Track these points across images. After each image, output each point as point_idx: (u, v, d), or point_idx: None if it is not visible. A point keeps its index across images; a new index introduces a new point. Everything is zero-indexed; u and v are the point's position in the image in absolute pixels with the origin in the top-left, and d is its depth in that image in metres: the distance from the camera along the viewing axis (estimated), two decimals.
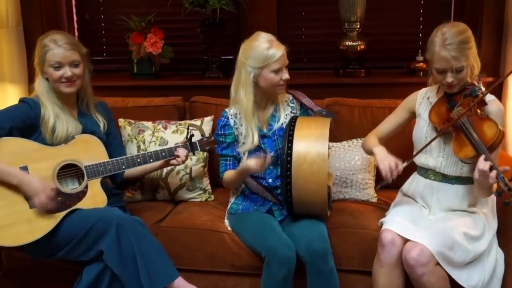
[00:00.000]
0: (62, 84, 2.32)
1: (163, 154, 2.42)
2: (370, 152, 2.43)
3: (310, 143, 2.21)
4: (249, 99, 2.38)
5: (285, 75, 2.35)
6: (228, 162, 2.45)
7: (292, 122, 2.29)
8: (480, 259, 2.18)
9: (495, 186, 2.10)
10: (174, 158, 2.43)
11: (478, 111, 2.16)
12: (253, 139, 2.40)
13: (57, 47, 2.29)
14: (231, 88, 2.44)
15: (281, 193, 2.32)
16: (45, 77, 2.34)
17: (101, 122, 2.47)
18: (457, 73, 2.15)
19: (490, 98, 2.22)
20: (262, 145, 2.42)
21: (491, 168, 2.01)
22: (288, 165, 2.20)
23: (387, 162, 2.22)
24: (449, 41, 2.12)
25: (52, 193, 2.18)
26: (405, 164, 2.24)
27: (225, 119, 2.46)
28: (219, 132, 2.47)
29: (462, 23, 2.22)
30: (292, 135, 2.24)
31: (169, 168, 2.72)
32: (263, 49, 2.31)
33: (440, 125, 2.22)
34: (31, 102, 2.33)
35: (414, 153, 2.33)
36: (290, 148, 2.21)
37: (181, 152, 2.42)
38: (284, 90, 2.43)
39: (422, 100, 2.38)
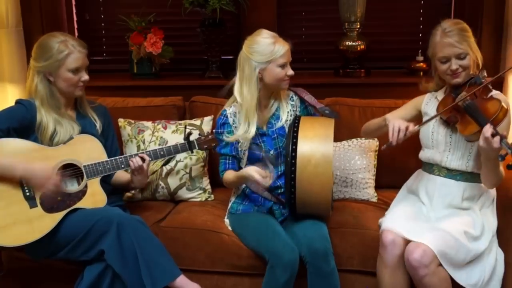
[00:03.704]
0: (78, 88, 2.34)
1: (161, 152, 2.42)
2: (375, 129, 2.46)
3: (315, 145, 2.19)
4: (253, 95, 2.35)
5: (290, 71, 2.36)
6: (228, 161, 2.45)
7: (296, 123, 2.28)
8: (480, 259, 2.18)
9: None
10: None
11: (484, 96, 2.18)
12: (250, 132, 2.36)
13: (78, 52, 2.30)
14: (235, 86, 2.41)
15: (285, 193, 2.29)
16: (49, 79, 2.32)
17: (97, 122, 2.46)
18: (461, 60, 2.20)
19: (495, 92, 2.25)
20: (262, 143, 2.42)
21: (494, 135, 2.01)
22: (293, 168, 2.19)
23: (397, 123, 2.22)
24: (449, 29, 2.22)
25: (58, 178, 2.21)
26: (417, 127, 2.24)
27: (224, 118, 2.46)
28: (219, 130, 2.47)
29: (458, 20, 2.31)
30: (296, 137, 2.22)
31: (168, 167, 2.73)
32: (268, 43, 2.32)
33: (447, 113, 2.24)
34: (27, 104, 2.32)
35: (422, 145, 2.37)
36: (294, 150, 2.19)
37: (139, 160, 2.35)
38: (288, 85, 2.42)
39: (429, 100, 2.41)
